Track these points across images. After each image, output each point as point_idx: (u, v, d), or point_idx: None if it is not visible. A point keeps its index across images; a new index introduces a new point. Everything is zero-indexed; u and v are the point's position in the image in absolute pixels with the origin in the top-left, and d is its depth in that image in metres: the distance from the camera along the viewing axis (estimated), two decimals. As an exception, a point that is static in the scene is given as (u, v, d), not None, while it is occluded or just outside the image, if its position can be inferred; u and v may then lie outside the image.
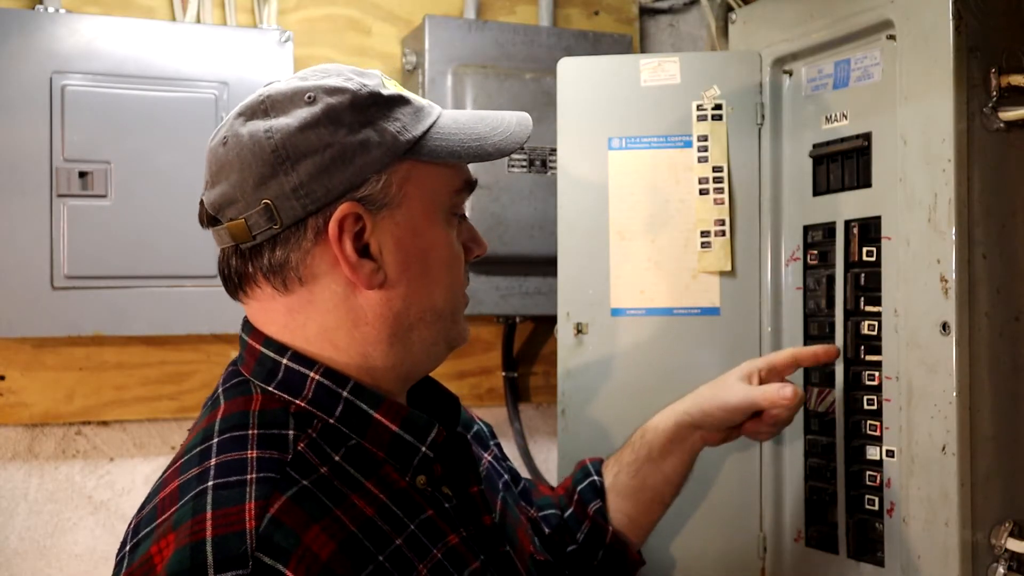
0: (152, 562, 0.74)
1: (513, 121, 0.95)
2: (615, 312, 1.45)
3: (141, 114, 1.57)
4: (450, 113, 0.93)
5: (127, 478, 1.70)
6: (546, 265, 1.64)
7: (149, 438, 1.71)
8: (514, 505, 1.09)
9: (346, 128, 0.85)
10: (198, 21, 1.68)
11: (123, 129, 1.56)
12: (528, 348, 1.93)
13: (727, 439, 1.23)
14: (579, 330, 1.45)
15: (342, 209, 0.84)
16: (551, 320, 1.53)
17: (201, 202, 0.90)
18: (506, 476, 1.12)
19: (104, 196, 1.56)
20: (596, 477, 1.22)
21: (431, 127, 0.89)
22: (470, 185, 0.95)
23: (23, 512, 1.65)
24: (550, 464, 1.90)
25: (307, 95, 0.86)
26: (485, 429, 1.16)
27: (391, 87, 0.90)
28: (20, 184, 1.53)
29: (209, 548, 0.73)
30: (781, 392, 1.16)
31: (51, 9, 1.56)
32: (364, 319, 0.88)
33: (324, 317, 0.88)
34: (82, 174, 1.55)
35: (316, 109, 0.85)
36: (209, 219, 0.89)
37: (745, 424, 1.20)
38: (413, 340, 0.90)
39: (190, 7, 1.67)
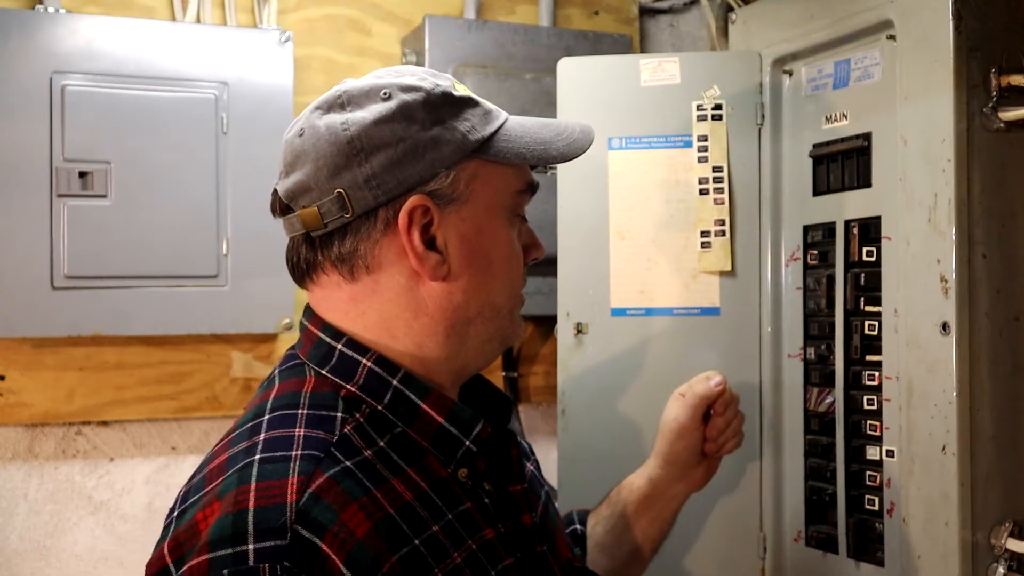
0: (197, 528, 0.78)
1: (576, 129, 0.97)
2: (615, 312, 1.44)
3: (141, 114, 1.57)
4: (516, 118, 0.95)
5: (127, 478, 1.69)
6: (546, 265, 1.63)
7: (149, 438, 1.71)
8: (555, 514, 1.10)
9: (419, 124, 0.88)
10: (198, 21, 1.68)
11: (123, 129, 1.56)
12: (528, 348, 1.93)
13: (708, 474, 1.20)
14: (579, 330, 1.45)
15: (412, 201, 0.87)
16: (551, 320, 1.53)
17: (274, 191, 0.93)
18: (546, 487, 1.13)
19: (104, 196, 1.56)
20: (578, 526, 1.22)
21: (499, 129, 0.92)
22: (532, 188, 0.97)
23: (23, 512, 1.65)
24: (550, 464, 1.90)
25: (383, 91, 0.88)
26: (526, 446, 1.17)
27: (461, 90, 0.92)
28: (20, 184, 1.53)
29: (250, 517, 0.76)
30: (710, 381, 1.15)
31: (51, 9, 1.56)
32: (425, 310, 0.90)
33: (385, 306, 0.90)
34: (82, 174, 1.55)
35: (392, 105, 0.88)
36: (281, 208, 0.92)
37: (706, 444, 1.17)
38: (469, 335, 0.93)
39: (190, 7, 1.67)
